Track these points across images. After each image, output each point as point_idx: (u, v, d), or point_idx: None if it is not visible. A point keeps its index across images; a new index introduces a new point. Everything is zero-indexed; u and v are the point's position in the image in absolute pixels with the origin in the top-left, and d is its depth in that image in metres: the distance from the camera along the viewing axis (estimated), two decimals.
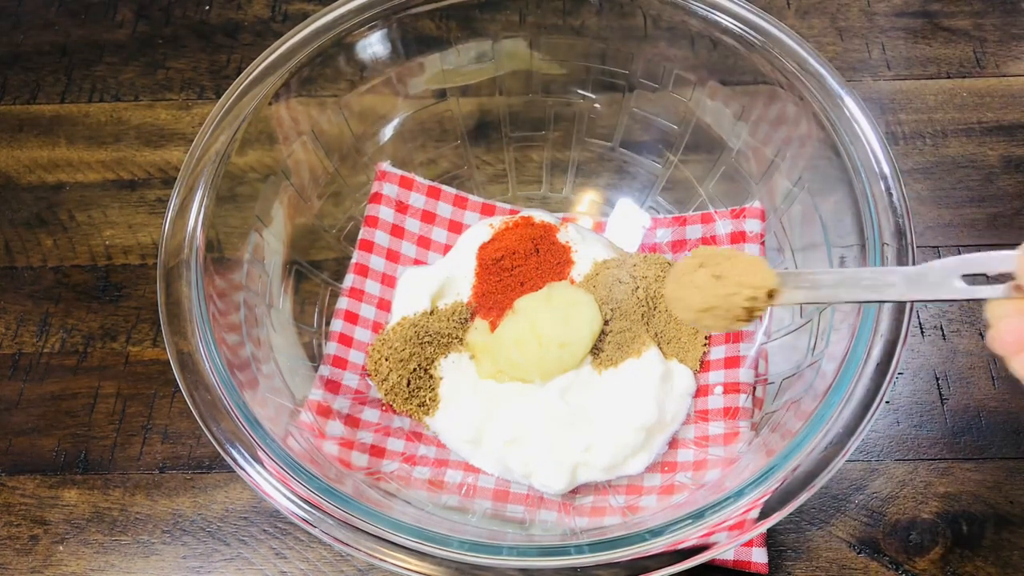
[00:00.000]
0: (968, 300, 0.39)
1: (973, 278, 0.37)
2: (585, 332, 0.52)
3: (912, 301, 0.40)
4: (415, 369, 0.53)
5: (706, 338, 0.55)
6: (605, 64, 0.59)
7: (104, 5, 0.75)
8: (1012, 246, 0.61)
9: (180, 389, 0.43)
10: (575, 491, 0.51)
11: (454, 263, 0.58)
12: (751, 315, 0.40)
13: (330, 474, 0.44)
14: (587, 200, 0.63)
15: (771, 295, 0.40)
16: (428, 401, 0.53)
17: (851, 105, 0.49)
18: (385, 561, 0.39)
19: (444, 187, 0.62)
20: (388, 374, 0.53)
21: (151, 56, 0.72)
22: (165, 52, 0.72)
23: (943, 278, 0.37)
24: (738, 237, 0.57)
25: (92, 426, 0.57)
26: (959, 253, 0.60)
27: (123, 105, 0.70)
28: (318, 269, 0.57)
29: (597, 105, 0.61)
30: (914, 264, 0.44)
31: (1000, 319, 0.36)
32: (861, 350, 0.42)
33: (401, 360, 0.53)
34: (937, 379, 0.56)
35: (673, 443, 0.52)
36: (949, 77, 0.68)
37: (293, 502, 0.41)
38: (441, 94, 0.60)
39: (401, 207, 0.60)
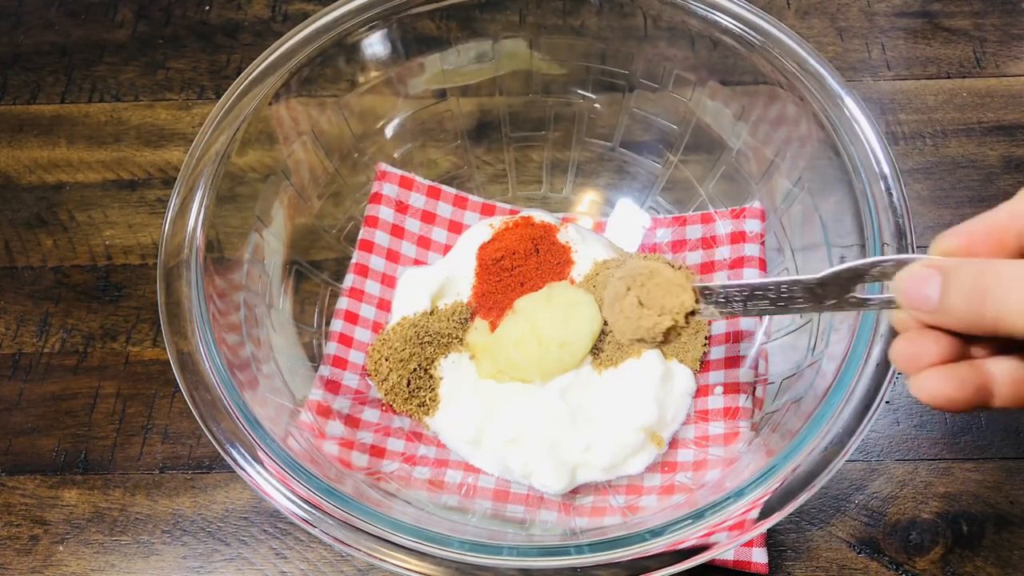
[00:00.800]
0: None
1: (873, 285, 0.35)
2: (585, 332, 0.52)
3: (820, 313, 0.39)
4: (415, 369, 0.53)
5: (706, 338, 0.55)
6: (605, 64, 0.59)
7: (104, 5, 0.75)
8: None
9: (180, 389, 0.44)
10: (575, 491, 0.51)
11: (454, 263, 0.58)
12: (672, 336, 0.43)
13: (330, 474, 0.44)
14: (587, 200, 0.63)
15: (692, 314, 0.42)
16: (428, 401, 0.53)
17: (851, 105, 0.49)
18: (385, 561, 0.39)
19: (444, 187, 0.62)
20: (388, 374, 0.53)
21: (151, 56, 0.72)
22: (165, 52, 0.72)
23: (842, 288, 0.36)
24: (738, 237, 0.57)
25: (92, 426, 0.57)
26: None
27: (123, 105, 0.70)
28: (318, 269, 0.57)
29: (597, 105, 0.61)
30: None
31: (900, 331, 0.34)
32: (861, 350, 0.42)
33: (401, 360, 0.53)
34: None
35: (673, 443, 0.52)
36: (949, 77, 0.68)
37: (293, 502, 0.41)
38: (441, 94, 0.60)
39: (401, 207, 0.60)
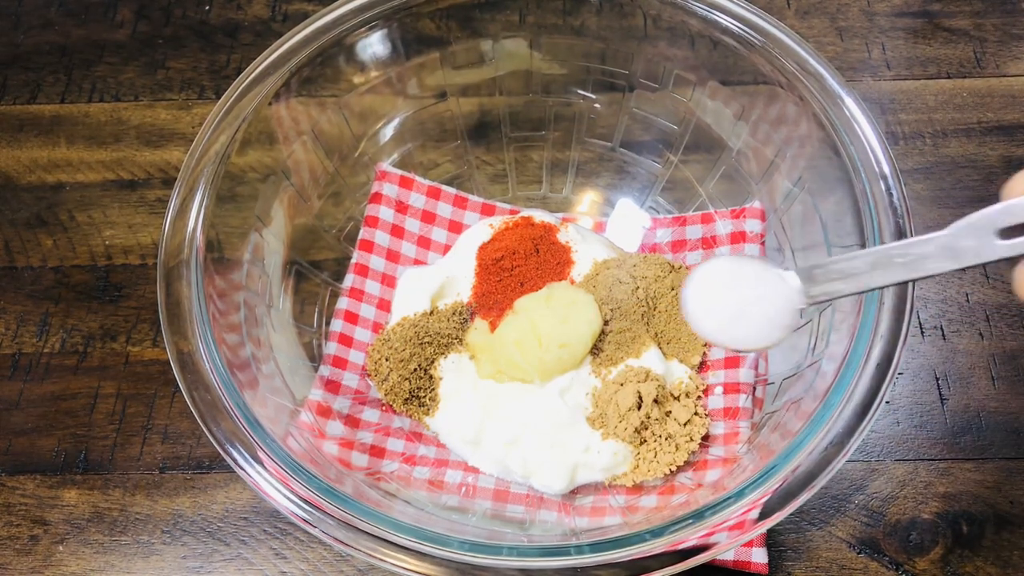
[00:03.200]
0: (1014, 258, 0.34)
1: (1013, 231, 0.32)
2: (585, 332, 0.52)
3: (950, 271, 0.35)
4: (415, 369, 0.53)
5: None
6: (605, 64, 0.59)
7: (104, 5, 0.75)
8: None
9: (180, 389, 0.44)
10: (575, 491, 0.51)
11: (454, 263, 0.58)
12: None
13: (330, 474, 0.44)
14: (587, 200, 0.63)
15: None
16: (428, 401, 0.53)
17: (851, 105, 0.49)
18: (385, 561, 0.39)
19: (444, 187, 0.62)
20: (388, 374, 0.53)
21: (151, 56, 0.72)
22: (165, 52, 0.72)
23: (980, 237, 0.33)
24: (738, 237, 0.57)
25: (92, 426, 0.57)
26: None
27: (123, 105, 0.70)
28: (318, 269, 0.57)
29: (597, 105, 0.61)
30: None
31: None
32: (861, 350, 0.42)
33: (401, 360, 0.53)
34: (937, 379, 0.56)
35: None
36: (949, 77, 0.68)
37: (293, 502, 0.41)
38: (441, 94, 0.60)
39: (401, 207, 0.60)
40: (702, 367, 0.55)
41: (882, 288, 0.37)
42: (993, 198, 0.63)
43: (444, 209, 0.62)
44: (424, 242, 0.61)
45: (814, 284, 0.38)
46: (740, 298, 0.40)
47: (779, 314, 0.39)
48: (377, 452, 0.52)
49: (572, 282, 0.56)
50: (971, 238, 0.34)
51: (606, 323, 0.54)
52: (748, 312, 0.40)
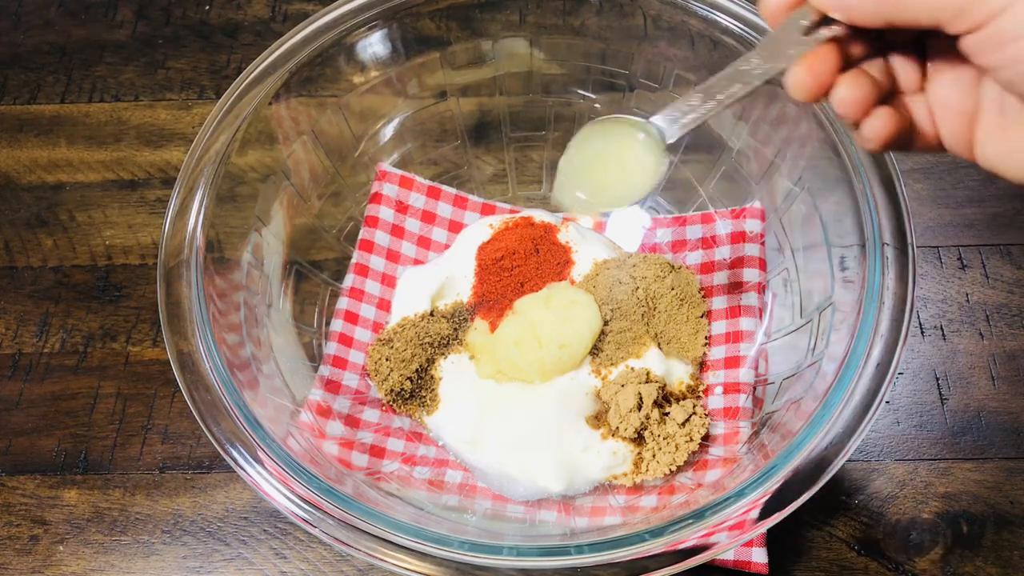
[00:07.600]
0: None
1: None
2: (585, 332, 0.52)
3: (777, 73, 0.36)
4: (415, 369, 0.53)
5: (706, 338, 0.55)
6: (605, 64, 0.59)
7: (104, 5, 0.75)
8: (1012, 247, 0.61)
9: (180, 389, 0.44)
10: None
11: (454, 263, 0.58)
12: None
13: (330, 474, 0.44)
14: None
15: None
16: (428, 401, 0.53)
17: None
18: (385, 561, 0.39)
19: (444, 187, 0.62)
20: (388, 374, 0.53)
21: (151, 56, 0.72)
22: (165, 52, 0.72)
23: (792, 34, 0.35)
24: (738, 237, 0.57)
25: (92, 426, 0.57)
26: (959, 253, 0.60)
27: (123, 105, 0.70)
28: (318, 269, 0.57)
29: (597, 105, 0.61)
30: (914, 266, 0.44)
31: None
32: (861, 350, 0.42)
33: (401, 360, 0.53)
34: (937, 379, 0.56)
35: None
36: None
37: (293, 502, 0.41)
38: (441, 94, 0.60)
39: (401, 207, 0.60)
40: (702, 367, 0.55)
41: (727, 106, 0.39)
42: (993, 198, 0.63)
43: (444, 209, 0.62)
44: (424, 242, 0.61)
45: (672, 124, 0.41)
46: (604, 161, 0.44)
47: (644, 166, 0.43)
48: (377, 452, 0.52)
49: (572, 282, 0.56)
50: (785, 41, 0.35)
51: (606, 323, 0.54)
52: (613, 171, 0.44)
